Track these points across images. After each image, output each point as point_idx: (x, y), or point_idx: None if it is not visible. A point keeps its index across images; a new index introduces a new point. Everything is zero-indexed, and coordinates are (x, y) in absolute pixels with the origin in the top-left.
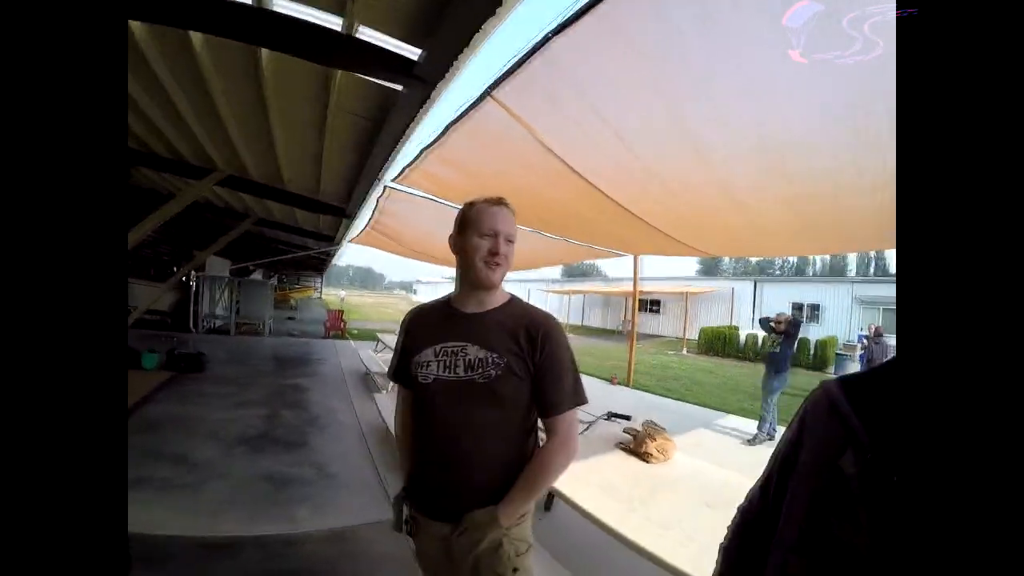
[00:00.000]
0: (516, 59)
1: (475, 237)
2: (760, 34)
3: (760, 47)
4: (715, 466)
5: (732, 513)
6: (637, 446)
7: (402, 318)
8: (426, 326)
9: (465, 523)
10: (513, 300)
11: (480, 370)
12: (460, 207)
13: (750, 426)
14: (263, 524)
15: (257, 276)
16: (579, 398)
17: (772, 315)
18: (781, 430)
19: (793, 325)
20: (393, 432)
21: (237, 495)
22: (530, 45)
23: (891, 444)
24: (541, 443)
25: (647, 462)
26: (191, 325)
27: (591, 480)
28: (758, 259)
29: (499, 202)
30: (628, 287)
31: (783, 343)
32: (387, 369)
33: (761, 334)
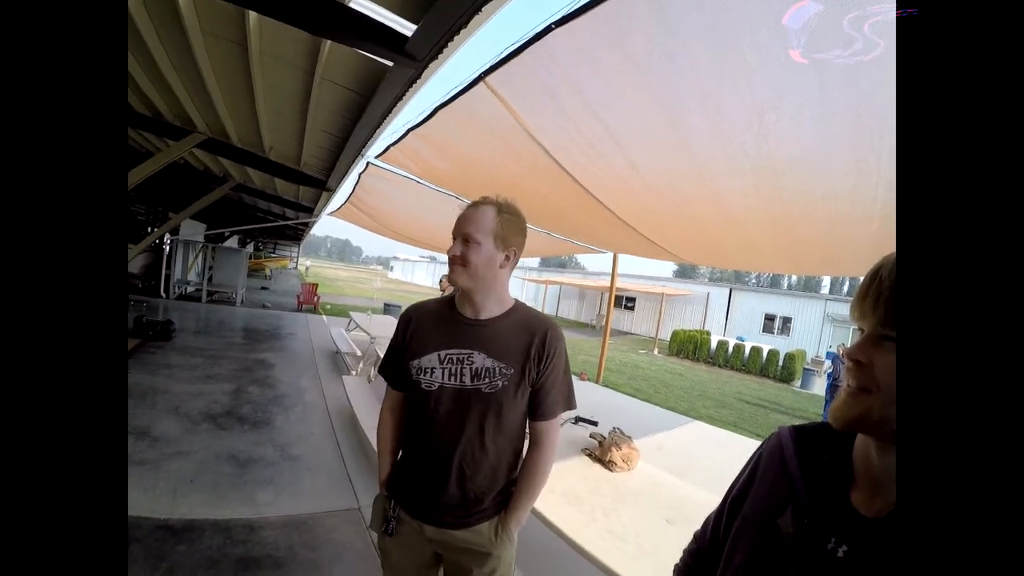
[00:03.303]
0: (515, 46)
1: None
2: (771, 53)
3: (770, 67)
4: (676, 478)
5: (690, 530)
6: (602, 454)
7: (400, 313)
8: (428, 329)
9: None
10: (518, 306)
11: (487, 380)
12: (443, 191)
13: (717, 434)
14: (224, 507)
15: (232, 243)
16: (570, 403)
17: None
18: None
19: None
20: (361, 421)
21: (198, 474)
22: (531, 33)
23: (829, 506)
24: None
25: (611, 470)
26: (162, 290)
27: (555, 487)
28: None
29: (473, 203)
30: (604, 282)
31: None
32: (361, 352)
33: (733, 341)
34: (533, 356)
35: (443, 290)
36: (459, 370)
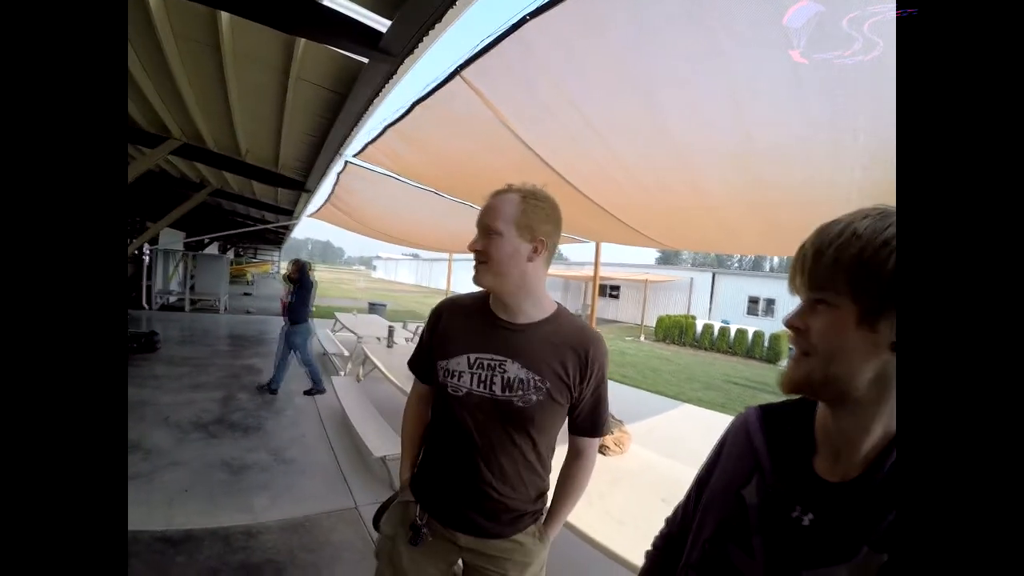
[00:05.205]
0: (490, 39)
1: None
2: (743, 37)
3: (747, 50)
4: (669, 459)
5: None
6: None
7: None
8: (460, 328)
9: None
10: (560, 313)
11: (520, 392)
12: (423, 187)
13: (705, 415)
14: (221, 515)
15: (212, 250)
16: (608, 420)
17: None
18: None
19: (300, 271)
20: (352, 420)
21: (193, 484)
22: (505, 26)
23: (793, 474)
24: None
25: (604, 454)
26: (143, 302)
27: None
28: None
29: (497, 192)
30: (588, 271)
31: (296, 292)
32: (349, 352)
33: (718, 324)
34: (572, 373)
35: (288, 279)
36: (489, 377)
